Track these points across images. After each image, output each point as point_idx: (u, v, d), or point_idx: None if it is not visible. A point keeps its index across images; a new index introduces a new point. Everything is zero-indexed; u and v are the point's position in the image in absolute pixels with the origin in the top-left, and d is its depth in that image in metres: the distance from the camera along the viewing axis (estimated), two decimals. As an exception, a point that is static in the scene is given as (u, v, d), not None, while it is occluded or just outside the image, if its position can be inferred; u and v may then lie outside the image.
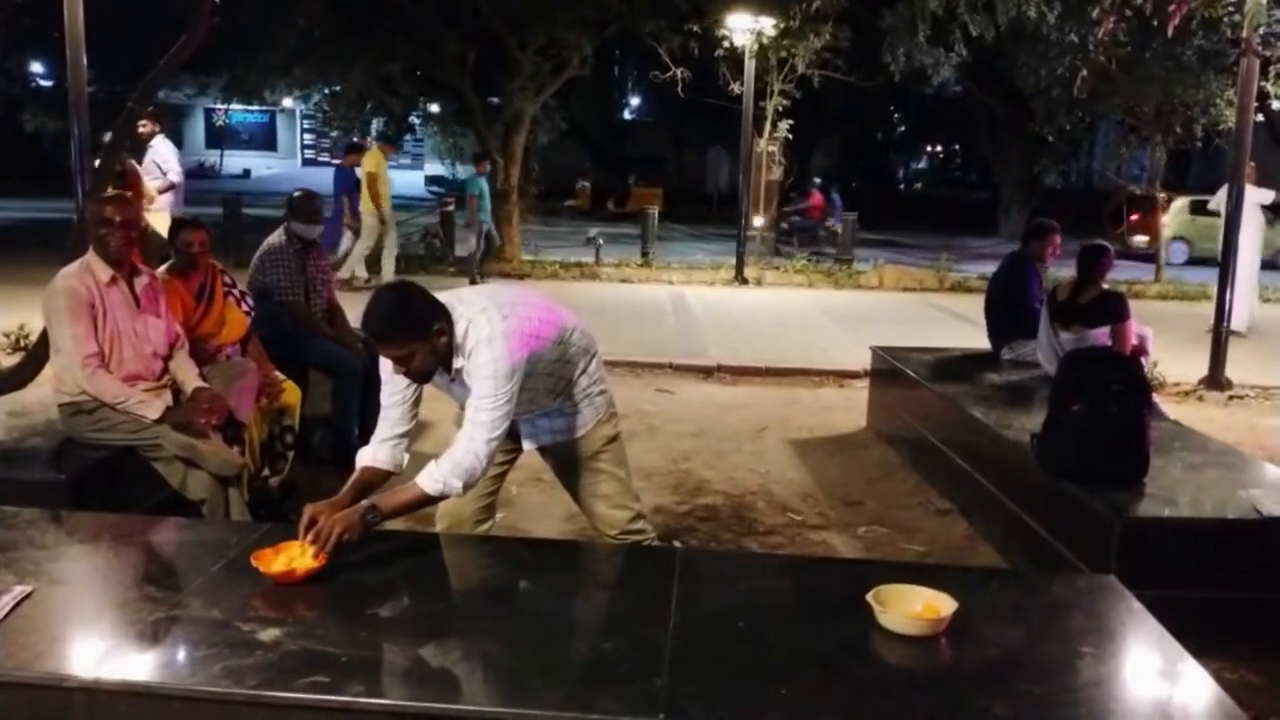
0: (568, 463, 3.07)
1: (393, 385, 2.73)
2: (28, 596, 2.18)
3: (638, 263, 14.10)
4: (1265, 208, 9.65)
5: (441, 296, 2.67)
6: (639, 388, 7.12)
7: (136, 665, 1.98)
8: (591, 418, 3.00)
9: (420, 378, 2.66)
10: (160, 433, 3.59)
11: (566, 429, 2.99)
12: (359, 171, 11.16)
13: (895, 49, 12.37)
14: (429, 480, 2.59)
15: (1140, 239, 15.65)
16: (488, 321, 2.62)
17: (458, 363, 2.65)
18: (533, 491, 4.67)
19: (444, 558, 2.70)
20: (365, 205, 11.10)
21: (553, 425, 2.99)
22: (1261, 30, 7.38)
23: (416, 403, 2.78)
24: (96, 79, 10.61)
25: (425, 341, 2.56)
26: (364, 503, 2.56)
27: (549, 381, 2.88)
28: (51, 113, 18.78)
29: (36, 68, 23.35)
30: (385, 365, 2.71)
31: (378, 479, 2.74)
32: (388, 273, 11.23)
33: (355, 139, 13.35)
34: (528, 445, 3.05)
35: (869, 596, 2.18)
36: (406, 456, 2.80)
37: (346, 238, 11.34)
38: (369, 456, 2.74)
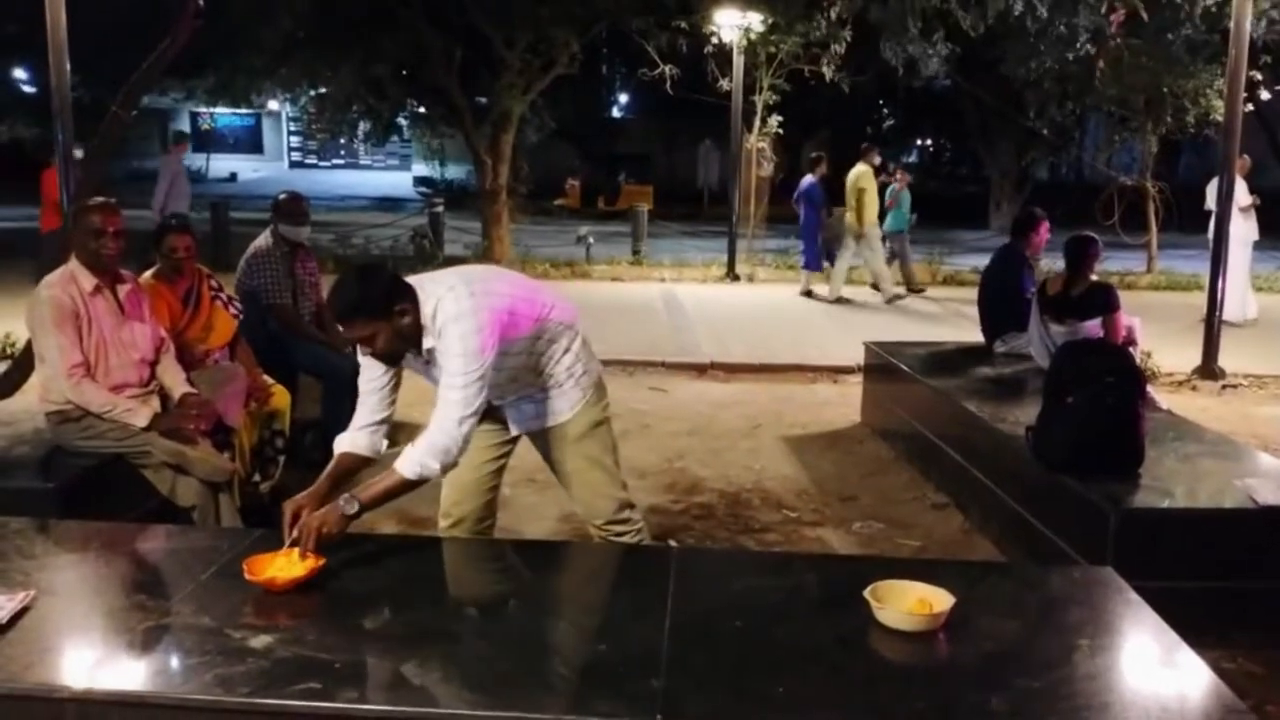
0: (554, 449, 3.04)
1: (370, 371, 2.73)
2: (33, 600, 2.17)
3: (629, 261, 14.05)
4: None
5: (412, 279, 2.66)
6: (631, 386, 7.10)
7: (128, 675, 1.96)
8: (578, 399, 2.98)
9: (387, 359, 2.66)
10: (148, 440, 3.56)
11: (552, 413, 2.97)
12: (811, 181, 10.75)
13: (891, 43, 12.33)
14: (407, 465, 2.58)
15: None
16: (455, 300, 2.61)
17: (428, 343, 2.64)
18: (526, 493, 4.65)
19: (437, 561, 2.69)
20: (850, 218, 10.76)
21: (538, 410, 2.98)
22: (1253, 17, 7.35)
23: (395, 388, 2.77)
24: (81, 84, 10.49)
25: (387, 321, 2.55)
26: (342, 496, 2.53)
27: (530, 360, 2.87)
28: (30, 118, 18.62)
29: (19, 74, 23.22)
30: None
31: (356, 465, 2.74)
32: (838, 288, 11.02)
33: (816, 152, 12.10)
34: (514, 430, 3.04)
35: (866, 593, 2.17)
36: (385, 443, 2.79)
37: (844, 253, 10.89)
38: (347, 443, 2.73)
